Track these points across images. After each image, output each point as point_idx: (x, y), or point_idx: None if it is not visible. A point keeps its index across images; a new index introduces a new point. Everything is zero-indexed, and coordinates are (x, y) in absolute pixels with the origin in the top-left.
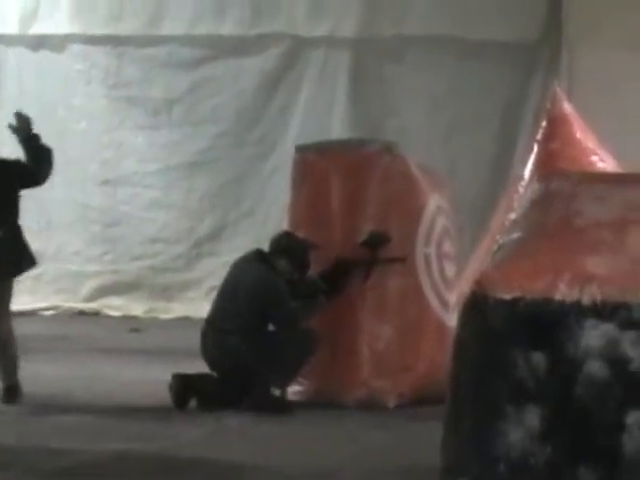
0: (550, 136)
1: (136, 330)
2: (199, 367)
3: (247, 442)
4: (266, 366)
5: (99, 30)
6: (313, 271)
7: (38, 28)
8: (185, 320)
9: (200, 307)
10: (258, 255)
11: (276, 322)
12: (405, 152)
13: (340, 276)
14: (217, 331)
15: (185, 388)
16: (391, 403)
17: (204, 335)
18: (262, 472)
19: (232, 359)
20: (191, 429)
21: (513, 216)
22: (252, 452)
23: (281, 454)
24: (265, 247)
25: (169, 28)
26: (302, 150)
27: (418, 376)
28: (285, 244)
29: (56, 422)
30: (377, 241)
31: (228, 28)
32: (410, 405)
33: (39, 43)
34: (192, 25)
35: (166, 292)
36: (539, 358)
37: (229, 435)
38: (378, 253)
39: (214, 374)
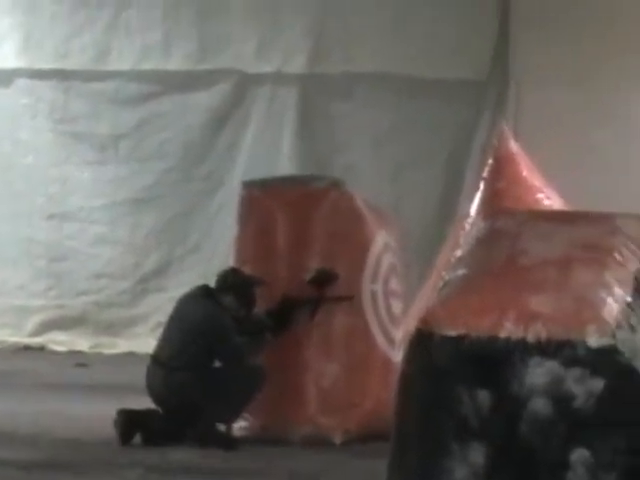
0: (496, 174)
1: (82, 365)
2: (144, 403)
3: (192, 477)
4: (212, 402)
5: (46, 65)
6: (260, 308)
7: None
8: (131, 356)
9: (146, 343)
10: (204, 291)
11: (222, 358)
12: (352, 189)
13: (287, 314)
14: (163, 367)
15: (130, 424)
16: (337, 440)
17: (150, 371)
18: None
19: (178, 395)
20: (136, 465)
21: (459, 253)
22: None
23: None
24: (212, 283)
25: (116, 63)
26: (248, 186)
27: (364, 413)
28: (231, 280)
29: (2, 457)
30: (324, 279)
31: (175, 64)
32: (356, 442)
33: None
34: (139, 60)
35: (111, 327)
36: (484, 396)
37: (174, 470)
38: (325, 291)
39: (159, 410)
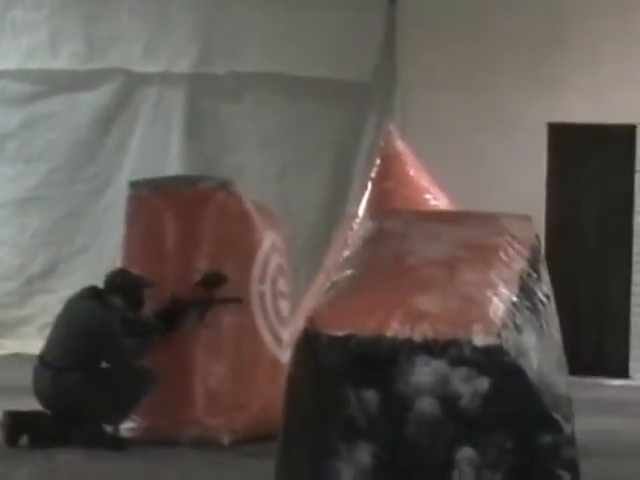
0: (384, 174)
1: None
2: (31, 404)
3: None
4: (99, 403)
5: None
6: (148, 308)
7: None
8: (17, 357)
9: (32, 344)
10: (92, 292)
11: (110, 360)
12: (240, 189)
13: (175, 315)
14: (50, 368)
15: (17, 425)
16: (225, 440)
17: (37, 372)
18: None
19: (65, 397)
20: (21, 467)
21: (346, 254)
22: None
23: None
24: (100, 284)
25: (2, 63)
26: (136, 186)
27: (252, 414)
28: (119, 281)
29: None
30: (213, 281)
31: (62, 63)
32: (244, 442)
33: None
34: (25, 60)
35: None
36: (371, 395)
37: (60, 473)
38: (214, 293)
39: (47, 411)
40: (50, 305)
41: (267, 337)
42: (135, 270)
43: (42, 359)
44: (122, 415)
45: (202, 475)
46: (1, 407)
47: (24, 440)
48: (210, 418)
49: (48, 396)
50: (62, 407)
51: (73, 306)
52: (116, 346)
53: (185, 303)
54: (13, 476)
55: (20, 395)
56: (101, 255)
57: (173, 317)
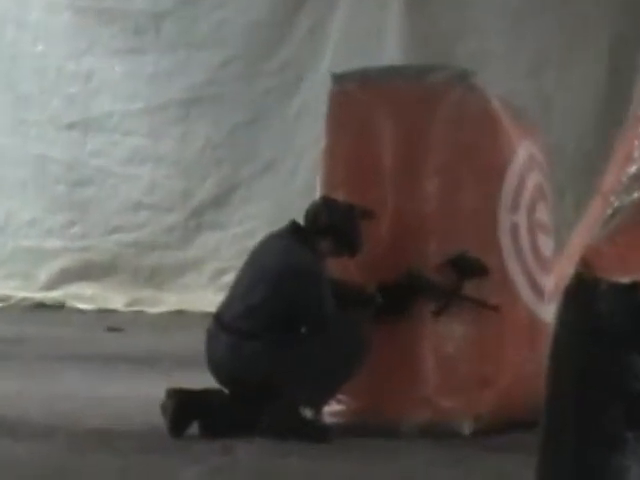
0: None
1: (115, 329)
2: (203, 380)
3: None
4: (296, 379)
5: None
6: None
7: None
8: (180, 315)
9: (201, 298)
10: (294, 229)
11: (308, 324)
12: (484, 84)
13: (405, 296)
14: (229, 331)
15: (184, 408)
16: (466, 429)
17: (211, 337)
18: None
19: (250, 369)
20: (191, 463)
21: (633, 170)
22: None
23: None
24: (291, 215)
25: None
26: (341, 80)
27: (502, 391)
28: (327, 217)
29: (8, 453)
30: (469, 269)
31: None
32: (492, 431)
33: None
34: None
35: (155, 277)
36: None
37: (241, 472)
38: (464, 284)
39: (223, 389)
40: (224, 245)
41: (521, 285)
42: (341, 195)
43: (219, 318)
44: (326, 395)
45: (433, 475)
46: (163, 383)
47: (194, 428)
48: (445, 398)
49: (226, 368)
50: (245, 383)
51: (267, 247)
52: (320, 307)
53: (422, 286)
54: (180, 475)
55: (187, 367)
56: (293, 175)
57: (402, 298)
